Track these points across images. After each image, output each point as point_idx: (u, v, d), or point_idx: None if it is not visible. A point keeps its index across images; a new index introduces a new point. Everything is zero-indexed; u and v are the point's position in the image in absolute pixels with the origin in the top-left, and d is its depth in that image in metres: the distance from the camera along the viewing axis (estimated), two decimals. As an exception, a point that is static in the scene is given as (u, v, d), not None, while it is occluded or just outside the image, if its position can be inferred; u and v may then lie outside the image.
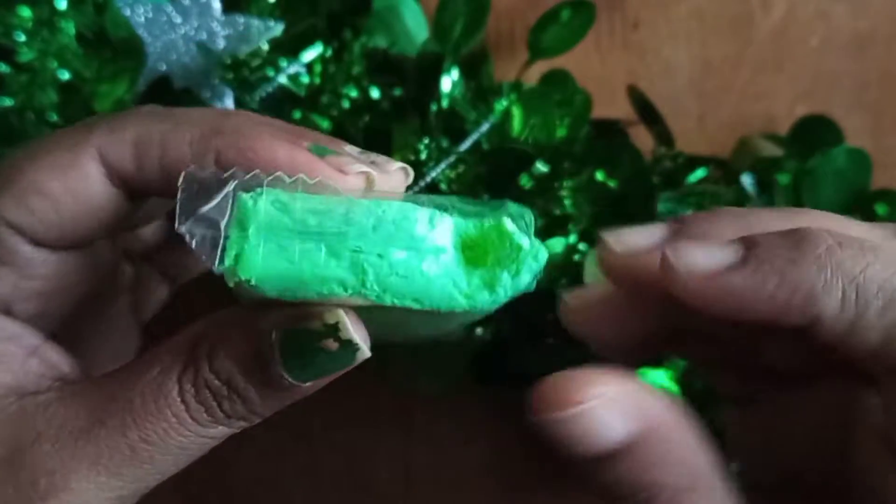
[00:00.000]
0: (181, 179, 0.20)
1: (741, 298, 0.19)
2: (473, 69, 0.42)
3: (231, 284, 0.20)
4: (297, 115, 0.36)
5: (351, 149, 0.24)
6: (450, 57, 0.39)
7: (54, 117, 0.39)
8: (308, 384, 0.21)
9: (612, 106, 0.45)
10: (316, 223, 0.19)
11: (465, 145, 0.38)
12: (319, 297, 0.20)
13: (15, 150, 0.24)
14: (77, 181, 0.22)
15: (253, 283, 0.19)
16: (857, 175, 0.40)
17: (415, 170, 0.37)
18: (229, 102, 0.36)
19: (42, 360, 0.23)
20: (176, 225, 0.19)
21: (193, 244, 0.19)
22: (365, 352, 0.20)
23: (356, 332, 0.20)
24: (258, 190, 0.20)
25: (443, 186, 0.37)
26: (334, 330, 0.20)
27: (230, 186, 0.20)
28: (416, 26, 0.40)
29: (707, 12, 0.45)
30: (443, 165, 0.37)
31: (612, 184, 0.40)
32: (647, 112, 0.41)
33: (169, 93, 0.36)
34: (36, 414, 0.21)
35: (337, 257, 0.19)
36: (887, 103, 0.46)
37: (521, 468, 0.49)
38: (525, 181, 0.38)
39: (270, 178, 0.20)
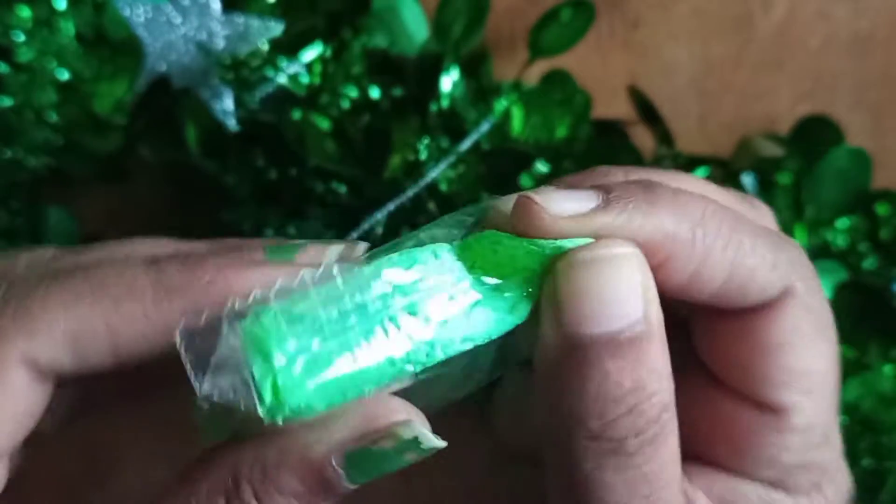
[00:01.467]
0: (178, 340, 0.18)
1: (604, 231, 0.20)
2: (473, 69, 0.42)
3: (281, 421, 0.18)
4: (297, 114, 0.36)
5: (305, 241, 0.22)
6: (450, 57, 0.39)
7: (53, 117, 0.39)
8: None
9: (612, 106, 0.45)
10: (333, 314, 0.18)
11: (465, 145, 0.38)
12: (370, 389, 0.18)
13: None
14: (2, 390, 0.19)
15: (303, 406, 0.18)
16: (857, 175, 0.40)
17: (415, 169, 0.37)
18: (229, 102, 0.36)
19: None
20: (196, 389, 0.18)
21: (225, 397, 0.18)
22: (440, 442, 0.19)
23: (428, 440, 0.19)
24: (255, 311, 0.18)
25: (443, 186, 0.37)
26: (414, 444, 0.19)
27: (229, 322, 0.18)
28: (416, 26, 0.40)
29: (707, 12, 0.45)
30: (443, 165, 0.37)
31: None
32: (647, 112, 0.41)
33: (168, 93, 0.36)
34: None
35: (369, 334, 0.18)
36: (888, 103, 0.46)
37: (521, 468, 0.49)
38: (525, 181, 0.38)
39: (263, 292, 0.18)
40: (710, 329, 0.22)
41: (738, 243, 0.20)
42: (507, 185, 0.37)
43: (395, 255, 0.19)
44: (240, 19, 0.35)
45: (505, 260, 0.20)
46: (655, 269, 0.20)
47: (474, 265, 0.20)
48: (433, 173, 0.37)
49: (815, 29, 0.45)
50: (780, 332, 0.21)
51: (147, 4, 0.35)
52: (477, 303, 0.19)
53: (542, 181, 0.38)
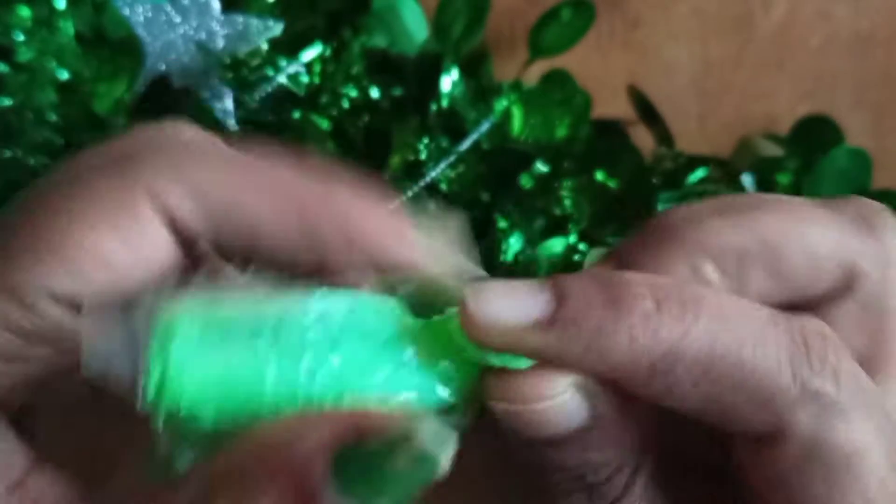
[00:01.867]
0: (84, 309, 0.17)
1: (545, 356, 0.17)
2: (473, 69, 0.42)
3: (160, 421, 0.17)
4: (297, 114, 0.36)
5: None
6: (449, 56, 0.39)
7: (53, 117, 0.39)
8: None
9: (612, 106, 0.45)
10: (250, 326, 0.17)
11: (465, 145, 0.38)
12: (268, 413, 0.17)
13: (25, 194, 0.20)
14: (139, 241, 0.18)
15: (184, 410, 0.17)
16: (857, 175, 0.40)
17: (415, 170, 0.37)
18: (229, 102, 0.36)
19: (25, 497, 0.19)
20: (84, 366, 0.16)
21: (112, 383, 0.17)
22: (444, 465, 0.17)
23: (434, 438, 0.17)
24: (175, 305, 0.17)
25: (443, 186, 0.37)
26: (403, 443, 0.16)
27: (143, 309, 0.17)
28: (416, 26, 0.40)
29: (707, 12, 0.45)
30: (443, 165, 0.37)
31: (612, 184, 0.40)
32: (647, 112, 0.41)
33: (168, 93, 0.36)
34: None
35: (281, 357, 0.17)
36: (888, 103, 0.46)
37: (521, 468, 0.49)
38: (525, 181, 0.38)
39: (191, 288, 0.17)
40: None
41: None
42: (506, 184, 0.37)
43: (336, 291, 0.18)
44: (239, 19, 0.35)
45: (449, 346, 0.18)
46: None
47: (415, 335, 0.18)
48: (433, 173, 0.37)
49: (815, 29, 0.45)
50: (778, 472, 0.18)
51: (147, 4, 0.35)
52: (401, 365, 0.18)
53: (541, 181, 0.38)
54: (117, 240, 0.18)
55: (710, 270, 0.19)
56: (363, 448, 0.16)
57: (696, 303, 0.17)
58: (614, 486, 0.18)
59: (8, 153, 0.39)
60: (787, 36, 0.45)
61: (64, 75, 0.39)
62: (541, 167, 0.38)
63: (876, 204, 0.20)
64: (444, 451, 0.17)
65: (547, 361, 0.17)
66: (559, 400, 0.17)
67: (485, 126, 0.38)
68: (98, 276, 0.18)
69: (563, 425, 0.17)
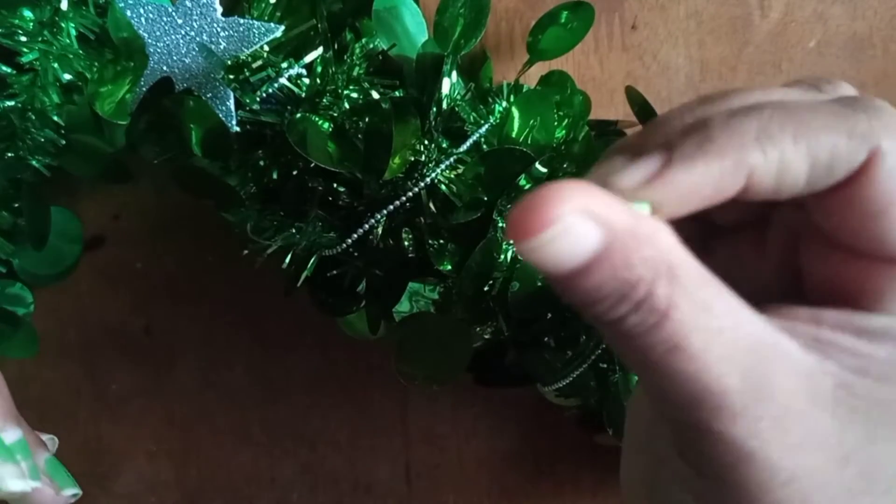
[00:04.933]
0: None
1: (687, 191, 0.20)
2: (473, 71, 0.42)
3: None
4: (298, 116, 0.36)
5: None
6: (449, 58, 0.39)
7: (55, 118, 0.39)
8: None
9: (610, 107, 0.45)
10: None
11: (465, 146, 0.38)
12: None
13: None
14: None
15: None
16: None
17: (415, 170, 0.37)
18: (230, 104, 0.36)
19: None
20: None
21: None
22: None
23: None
24: None
25: (442, 187, 0.37)
26: None
27: None
28: (416, 28, 0.40)
29: (705, 14, 0.45)
30: (443, 166, 0.37)
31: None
32: (645, 113, 0.41)
33: (170, 94, 0.36)
34: None
35: None
36: (885, 105, 0.46)
37: (521, 468, 0.49)
38: (524, 182, 0.38)
39: None
40: (819, 205, 0.22)
41: (806, 130, 0.20)
42: (506, 185, 0.37)
43: None
44: (241, 21, 0.35)
45: None
46: (743, 193, 0.20)
47: None
48: (433, 174, 0.37)
49: (812, 30, 0.46)
50: (878, 199, 0.20)
51: (149, 6, 0.36)
52: None
53: (541, 182, 0.39)
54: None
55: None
56: None
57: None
58: (660, 298, 0.19)
59: (11, 153, 0.39)
60: (785, 38, 0.46)
61: (66, 77, 0.39)
62: (540, 168, 0.38)
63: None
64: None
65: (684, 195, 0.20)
66: (567, 223, 0.18)
67: (484, 128, 0.38)
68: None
69: (581, 250, 0.19)
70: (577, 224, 0.18)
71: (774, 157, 0.20)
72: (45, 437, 0.37)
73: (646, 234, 0.19)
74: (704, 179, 0.20)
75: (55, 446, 0.37)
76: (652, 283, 0.19)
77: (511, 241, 0.19)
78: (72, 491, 0.36)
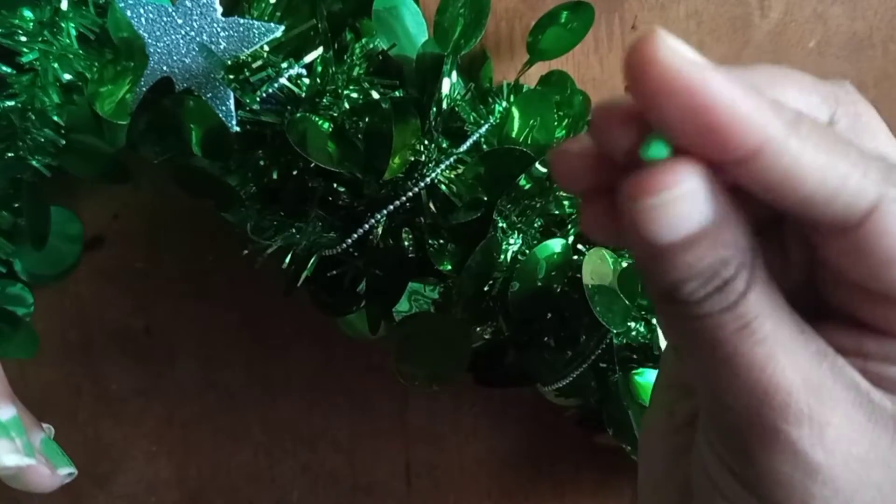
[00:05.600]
0: None
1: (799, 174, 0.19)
2: (473, 71, 0.42)
3: None
4: (298, 116, 0.36)
5: None
6: (449, 58, 0.39)
7: (56, 118, 0.39)
8: None
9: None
10: None
11: (465, 146, 0.38)
12: None
13: None
14: None
15: None
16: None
17: (415, 170, 0.37)
18: (230, 104, 0.36)
19: None
20: None
21: None
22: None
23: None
24: None
25: (442, 187, 0.37)
26: None
27: None
28: (416, 28, 0.40)
29: (705, 14, 0.45)
30: (443, 166, 0.37)
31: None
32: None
33: (170, 94, 0.36)
34: None
35: None
36: (884, 104, 0.46)
37: (521, 468, 0.49)
38: (524, 182, 0.38)
39: None
40: (826, 246, 0.21)
41: (831, 146, 0.19)
42: (506, 185, 0.37)
43: None
44: (241, 21, 0.35)
45: None
46: (744, 162, 0.19)
47: None
48: (433, 174, 0.37)
49: (811, 30, 0.46)
50: (884, 249, 0.19)
51: (149, 6, 0.36)
52: None
53: (540, 182, 0.39)
54: None
55: None
56: None
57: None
58: (742, 280, 0.19)
59: (11, 153, 0.39)
60: (785, 38, 0.46)
61: (66, 77, 0.39)
62: (540, 168, 0.38)
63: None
64: None
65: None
66: (686, 188, 0.18)
67: (484, 128, 0.38)
68: None
69: (695, 219, 0.19)
70: (700, 192, 0.18)
71: (795, 146, 0.19)
72: (44, 426, 0.37)
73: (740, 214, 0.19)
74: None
75: (52, 434, 0.37)
76: (739, 264, 0.19)
77: (628, 201, 0.19)
78: (67, 470, 0.36)
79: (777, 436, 0.19)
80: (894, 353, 0.21)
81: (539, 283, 0.38)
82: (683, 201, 0.18)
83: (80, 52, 0.38)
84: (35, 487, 0.35)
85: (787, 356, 0.19)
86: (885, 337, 0.21)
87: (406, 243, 0.38)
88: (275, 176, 0.38)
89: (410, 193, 0.37)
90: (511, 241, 0.39)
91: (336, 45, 0.37)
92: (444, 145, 0.38)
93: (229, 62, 0.36)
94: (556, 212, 0.40)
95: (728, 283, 0.19)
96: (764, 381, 0.19)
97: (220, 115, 0.36)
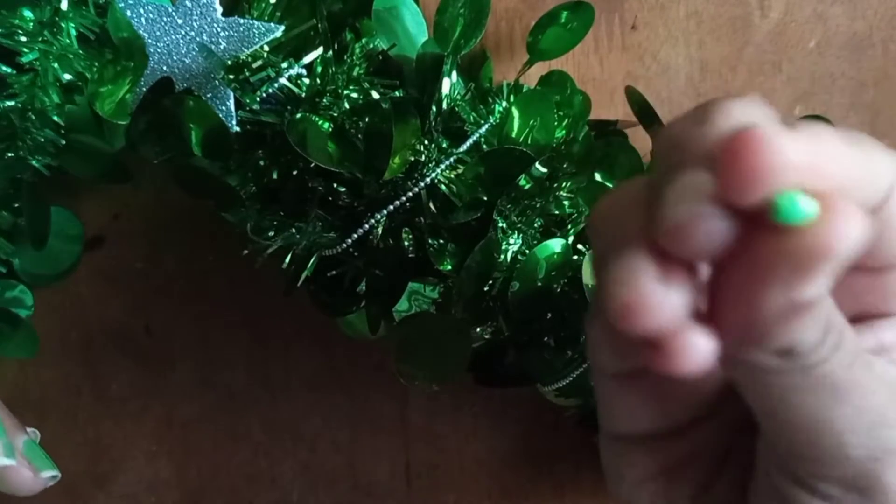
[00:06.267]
0: None
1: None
2: (473, 71, 0.42)
3: None
4: (298, 116, 0.36)
5: None
6: (449, 58, 0.39)
7: (55, 118, 0.39)
8: None
9: (610, 107, 0.45)
10: None
11: (465, 146, 0.38)
12: None
13: None
14: None
15: None
16: (854, 176, 0.40)
17: (415, 170, 0.37)
18: (230, 104, 0.36)
19: None
20: None
21: None
22: None
23: None
24: None
25: (443, 187, 0.37)
26: None
27: None
28: (416, 28, 0.40)
29: (705, 14, 0.45)
30: (443, 166, 0.37)
31: (610, 185, 0.40)
32: (645, 113, 0.41)
33: (170, 94, 0.36)
34: None
35: None
36: (884, 104, 0.46)
37: (521, 468, 0.49)
38: (524, 182, 0.38)
39: None
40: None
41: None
42: (506, 185, 0.37)
43: None
44: (241, 21, 0.35)
45: None
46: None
47: None
48: (433, 174, 0.37)
49: (812, 30, 0.46)
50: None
51: (149, 6, 0.36)
52: None
53: (540, 182, 0.39)
54: None
55: None
56: None
57: None
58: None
59: (11, 153, 0.39)
60: (785, 38, 0.46)
61: (66, 77, 0.39)
62: (540, 168, 0.38)
63: None
64: None
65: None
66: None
67: (484, 128, 0.38)
68: None
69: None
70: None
71: None
72: (28, 430, 0.37)
73: None
74: None
75: (38, 439, 0.37)
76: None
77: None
78: (50, 473, 0.36)
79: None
80: (889, 340, 0.21)
81: (539, 283, 0.38)
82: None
83: (80, 52, 0.38)
84: (17, 489, 0.35)
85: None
86: (875, 323, 0.21)
87: (406, 243, 0.38)
88: (275, 176, 0.38)
89: (410, 193, 0.37)
90: (511, 241, 0.39)
91: (336, 45, 0.37)
92: (444, 145, 0.38)
93: (229, 62, 0.36)
94: (556, 212, 0.40)
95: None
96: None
97: (220, 115, 0.36)
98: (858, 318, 0.21)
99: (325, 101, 0.36)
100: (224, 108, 0.36)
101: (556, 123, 0.40)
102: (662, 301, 0.17)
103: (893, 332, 0.21)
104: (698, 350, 0.18)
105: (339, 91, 0.37)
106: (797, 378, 0.18)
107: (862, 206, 0.17)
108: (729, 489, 0.23)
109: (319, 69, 0.36)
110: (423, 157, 0.37)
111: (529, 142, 0.39)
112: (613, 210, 0.20)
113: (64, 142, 0.40)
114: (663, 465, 0.23)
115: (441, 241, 0.38)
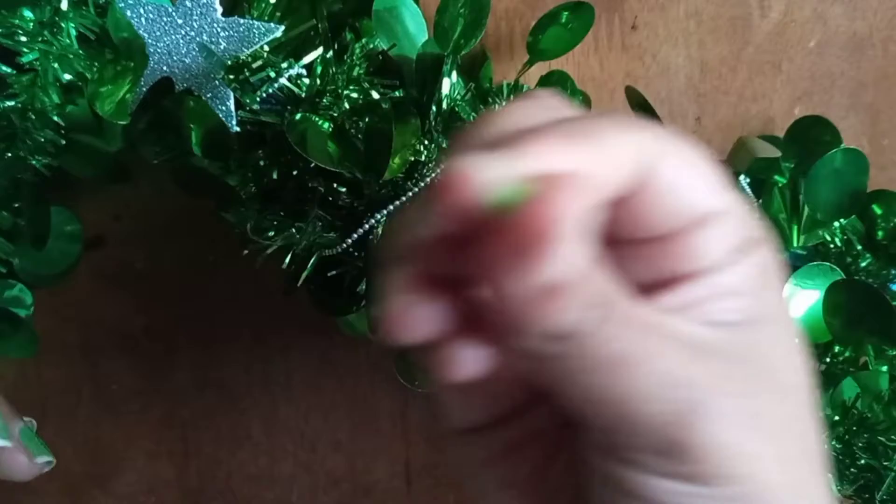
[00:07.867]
0: None
1: None
2: (473, 71, 0.42)
3: None
4: (298, 116, 0.36)
5: None
6: (450, 58, 0.39)
7: (56, 118, 0.39)
8: None
9: (610, 107, 0.45)
10: None
11: (465, 146, 0.38)
12: None
13: None
14: None
15: None
16: (853, 176, 0.40)
17: (415, 170, 0.37)
18: (230, 104, 0.36)
19: None
20: None
21: None
22: None
23: None
24: None
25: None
26: None
27: None
28: (417, 28, 0.40)
29: (705, 14, 0.45)
30: (443, 166, 0.37)
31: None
32: (644, 113, 0.41)
33: (170, 94, 0.36)
34: None
35: None
36: (884, 104, 0.46)
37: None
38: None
39: None
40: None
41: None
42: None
43: None
44: (241, 21, 0.35)
45: None
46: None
47: None
48: (433, 174, 0.37)
49: (811, 30, 0.46)
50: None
51: (149, 6, 0.36)
52: None
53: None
54: None
55: None
56: None
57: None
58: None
59: (11, 153, 0.39)
60: (785, 38, 0.46)
61: (66, 77, 0.39)
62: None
63: None
64: None
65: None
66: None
67: (484, 127, 0.38)
68: None
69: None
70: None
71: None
72: (25, 419, 0.37)
73: None
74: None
75: (34, 428, 0.38)
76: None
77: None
78: (45, 458, 0.36)
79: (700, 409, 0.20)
80: (692, 298, 0.21)
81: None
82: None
83: (80, 52, 0.38)
84: (12, 474, 0.36)
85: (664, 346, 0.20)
86: (676, 285, 0.21)
87: (406, 243, 0.38)
88: (275, 176, 0.38)
89: (410, 193, 0.37)
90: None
91: (336, 45, 0.37)
92: (444, 145, 0.38)
93: (229, 62, 0.36)
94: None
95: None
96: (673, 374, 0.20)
97: (220, 115, 0.36)
98: (662, 284, 0.22)
99: (325, 101, 0.36)
100: (224, 108, 0.36)
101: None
102: (420, 316, 0.19)
103: (696, 291, 0.21)
104: (464, 359, 0.19)
105: (340, 91, 0.37)
106: (576, 358, 0.19)
107: (599, 189, 0.19)
108: (565, 471, 0.24)
109: (319, 69, 0.36)
110: (423, 157, 0.37)
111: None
112: (399, 223, 0.21)
113: (64, 142, 0.40)
114: (500, 451, 0.24)
115: (441, 241, 0.38)
